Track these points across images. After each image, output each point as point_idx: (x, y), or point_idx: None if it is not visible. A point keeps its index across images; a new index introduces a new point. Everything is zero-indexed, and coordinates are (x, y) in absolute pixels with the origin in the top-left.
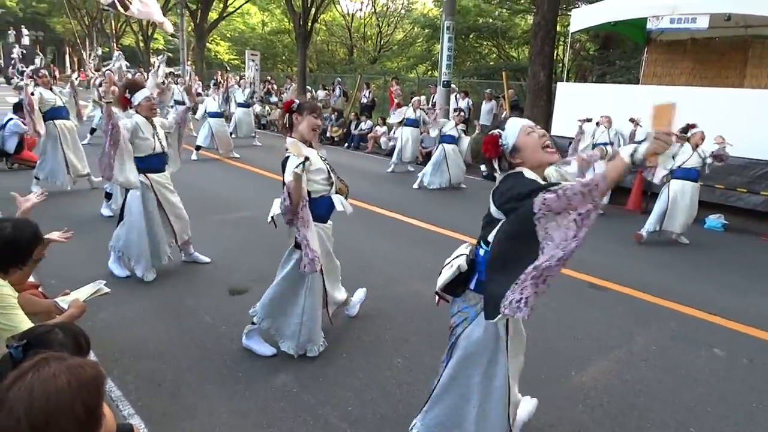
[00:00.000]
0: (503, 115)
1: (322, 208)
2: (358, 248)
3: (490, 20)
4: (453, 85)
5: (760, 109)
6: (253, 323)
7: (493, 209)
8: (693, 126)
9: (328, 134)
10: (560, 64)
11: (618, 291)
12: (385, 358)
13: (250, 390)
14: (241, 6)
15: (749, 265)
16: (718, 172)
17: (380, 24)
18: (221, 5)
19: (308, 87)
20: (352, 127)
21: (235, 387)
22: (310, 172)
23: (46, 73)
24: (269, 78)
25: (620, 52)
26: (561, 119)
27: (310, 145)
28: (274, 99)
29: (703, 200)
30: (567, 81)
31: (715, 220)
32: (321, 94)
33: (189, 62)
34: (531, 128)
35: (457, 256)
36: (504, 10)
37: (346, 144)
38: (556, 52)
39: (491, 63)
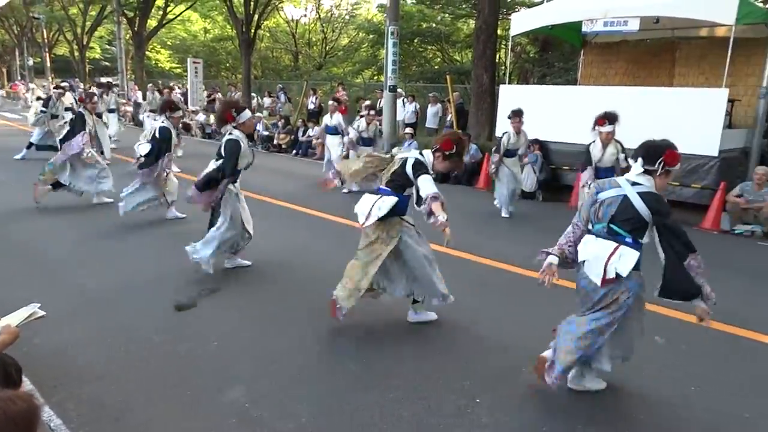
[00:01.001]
0: (448, 119)
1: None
2: (307, 255)
3: (434, 25)
4: (399, 90)
5: (689, 106)
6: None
7: (646, 213)
8: (602, 122)
9: (275, 141)
10: (503, 67)
11: (566, 287)
12: (339, 367)
13: (199, 408)
14: (181, 13)
15: None
16: None
17: (325, 30)
18: (160, 12)
19: (253, 94)
20: (300, 133)
21: (183, 407)
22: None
23: None
24: (215, 87)
25: (559, 54)
26: (505, 121)
27: None
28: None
29: None
30: (509, 83)
31: None
32: (266, 101)
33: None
34: None
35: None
36: (447, 15)
37: (294, 151)
38: (498, 55)
39: (436, 67)
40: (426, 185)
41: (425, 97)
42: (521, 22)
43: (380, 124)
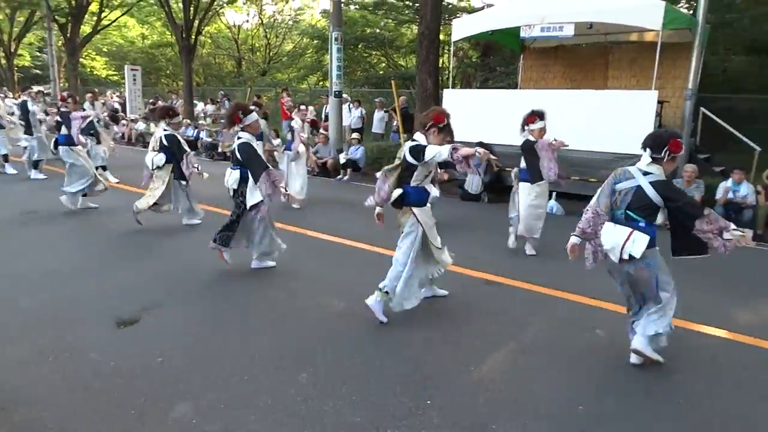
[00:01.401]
0: (394, 124)
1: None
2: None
3: (377, 30)
4: (345, 95)
5: (622, 108)
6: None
7: (658, 200)
8: (532, 120)
9: (219, 149)
10: (446, 72)
11: (510, 285)
12: (289, 375)
13: (144, 428)
14: (116, 19)
15: None
16: (591, 167)
17: (268, 35)
18: (94, 18)
19: (195, 101)
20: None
21: (128, 427)
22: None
23: None
24: (156, 94)
25: (500, 59)
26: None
27: None
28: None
29: (581, 193)
30: (453, 87)
31: None
32: (210, 108)
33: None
34: None
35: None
36: (390, 21)
37: None
38: (441, 60)
39: (381, 72)
40: (433, 151)
41: (371, 102)
42: (462, 27)
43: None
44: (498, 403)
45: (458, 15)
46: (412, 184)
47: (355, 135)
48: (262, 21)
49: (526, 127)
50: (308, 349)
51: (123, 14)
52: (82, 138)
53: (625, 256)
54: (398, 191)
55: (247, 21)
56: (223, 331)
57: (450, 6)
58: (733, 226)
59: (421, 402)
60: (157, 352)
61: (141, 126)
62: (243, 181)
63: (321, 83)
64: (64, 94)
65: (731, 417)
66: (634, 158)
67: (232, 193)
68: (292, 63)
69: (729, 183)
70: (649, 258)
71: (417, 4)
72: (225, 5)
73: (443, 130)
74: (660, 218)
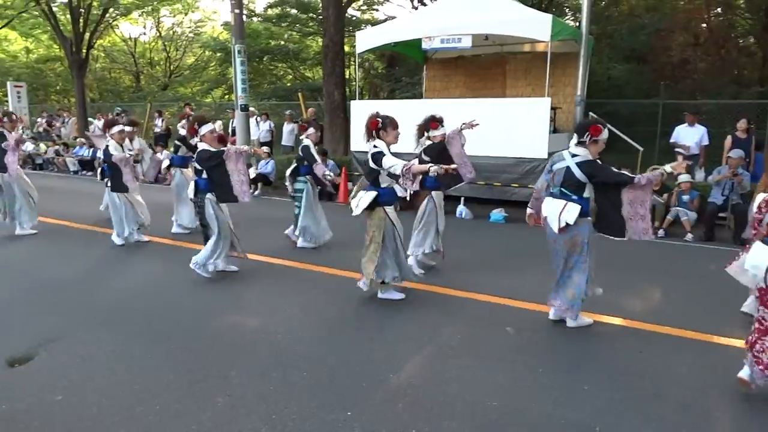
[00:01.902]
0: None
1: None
2: (163, 290)
3: (282, 42)
4: (252, 108)
5: (519, 115)
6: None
7: (583, 178)
8: (435, 126)
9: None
10: (354, 83)
11: (423, 290)
12: (204, 400)
13: None
14: None
15: (527, 249)
16: (494, 172)
17: (168, 48)
18: None
19: (90, 119)
20: (160, 155)
21: None
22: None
23: None
24: (47, 113)
25: (405, 69)
26: (359, 135)
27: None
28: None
29: (486, 198)
30: (361, 99)
31: (497, 213)
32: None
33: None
34: None
35: (563, 209)
36: (294, 33)
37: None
38: (348, 71)
39: (288, 84)
40: (389, 162)
41: (280, 115)
42: (366, 39)
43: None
44: (417, 407)
45: (362, 27)
46: (383, 185)
47: (264, 149)
48: (160, 33)
49: (426, 133)
50: (224, 370)
51: (3, 26)
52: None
53: (562, 224)
54: (372, 194)
55: (144, 33)
56: (130, 360)
57: (354, 18)
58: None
59: (341, 414)
60: (56, 391)
61: (29, 147)
62: (199, 190)
63: (227, 97)
64: None
65: (630, 398)
66: (533, 162)
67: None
68: (195, 76)
69: None
70: (581, 225)
71: (321, 17)
72: (118, 17)
73: (385, 126)
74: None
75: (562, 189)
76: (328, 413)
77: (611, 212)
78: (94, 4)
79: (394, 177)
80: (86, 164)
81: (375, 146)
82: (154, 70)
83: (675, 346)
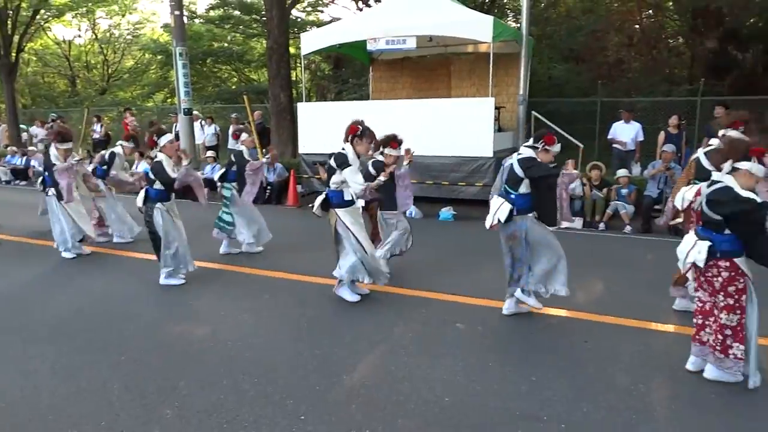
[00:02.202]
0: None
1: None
2: (111, 298)
3: (225, 45)
4: (196, 112)
5: (465, 114)
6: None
7: (520, 172)
8: (395, 146)
9: None
10: (300, 85)
11: (375, 290)
12: (153, 414)
13: None
14: None
15: (477, 245)
16: (442, 171)
17: (105, 51)
18: None
19: (23, 126)
20: (87, 165)
21: None
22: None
23: None
24: None
25: (351, 70)
26: (306, 138)
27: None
28: None
29: (435, 196)
30: (309, 100)
31: (446, 212)
32: (40, 132)
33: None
34: None
35: (498, 207)
36: (238, 35)
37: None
38: (294, 73)
39: (233, 87)
40: (349, 176)
41: (225, 119)
42: (311, 41)
43: None
44: (371, 407)
45: (307, 29)
46: (332, 187)
47: (210, 153)
48: (96, 36)
49: (382, 148)
50: (173, 380)
51: None
52: None
53: (494, 222)
54: (321, 196)
55: (79, 36)
56: (76, 373)
57: (298, 20)
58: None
59: (294, 420)
60: None
61: None
62: (149, 199)
63: (169, 100)
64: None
65: (577, 386)
66: (479, 160)
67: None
68: (135, 80)
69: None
70: (520, 222)
71: (264, 18)
72: (50, 19)
73: (363, 135)
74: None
75: (506, 186)
76: (282, 418)
77: (544, 203)
78: (23, 5)
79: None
80: (19, 173)
81: (343, 149)
82: (90, 74)
83: (618, 335)
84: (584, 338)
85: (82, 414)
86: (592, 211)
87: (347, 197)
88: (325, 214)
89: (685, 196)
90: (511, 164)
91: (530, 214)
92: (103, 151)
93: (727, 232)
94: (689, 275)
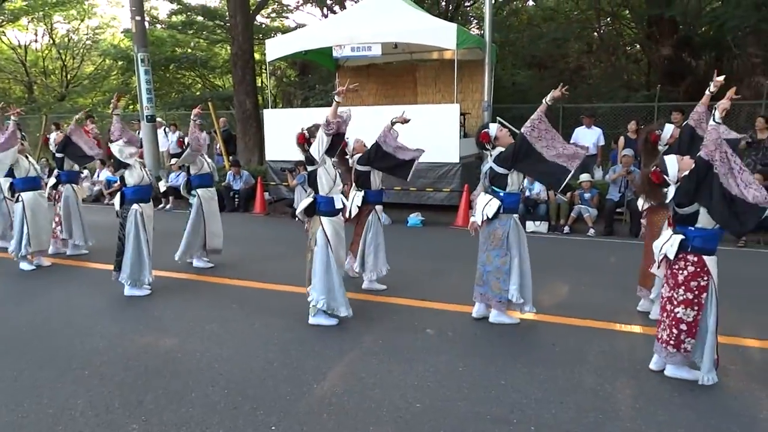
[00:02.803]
0: (217, 147)
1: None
2: (72, 311)
3: (189, 50)
4: (159, 119)
5: (431, 121)
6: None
7: (500, 169)
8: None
9: None
10: (266, 91)
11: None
12: (120, 427)
13: None
14: None
15: (445, 251)
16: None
17: (63, 56)
18: None
19: None
20: (45, 175)
21: None
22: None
23: None
24: None
25: (318, 77)
26: (273, 144)
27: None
28: None
29: (403, 202)
30: (275, 107)
31: (414, 217)
32: None
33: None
34: None
35: (486, 204)
36: (201, 41)
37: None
38: (260, 79)
39: (197, 93)
40: (314, 148)
41: (189, 125)
42: (276, 47)
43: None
44: (342, 415)
45: (272, 35)
46: (321, 193)
47: (174, 161)
48: (54, 41)
49: (347, 157)
50: (139, 394)
51: None
52: None
53: (484, 218)
54: (308, 200)
55: (36, 41)
56: (37, 389)
57: (263, 26)
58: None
59: (265, 431)
60: None
61: None
62: (125, 200)
63: (131, 107)
64: None
65: (546, 389)
66: (446, 166)
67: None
68: (96, 86)
69: (525, 182)
70: (504, 220)
71: (228, 24)
72: (5, 23)
73: (312, 138)
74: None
75: (492, 187)
76: (253, 429)
77: (540, 166)
78: None
79: (327, 154)
80: None
81: (306, 150)
82: (48, 80)
83: (584, 336)
84: (551, 341)
85: (45, 431)
86: (556, 215)
87: (338, 205)
88: (308, 219)
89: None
90: (490, 167)
91: (515, 215)
92: None
93: (698, 225)
94: (658, 272)
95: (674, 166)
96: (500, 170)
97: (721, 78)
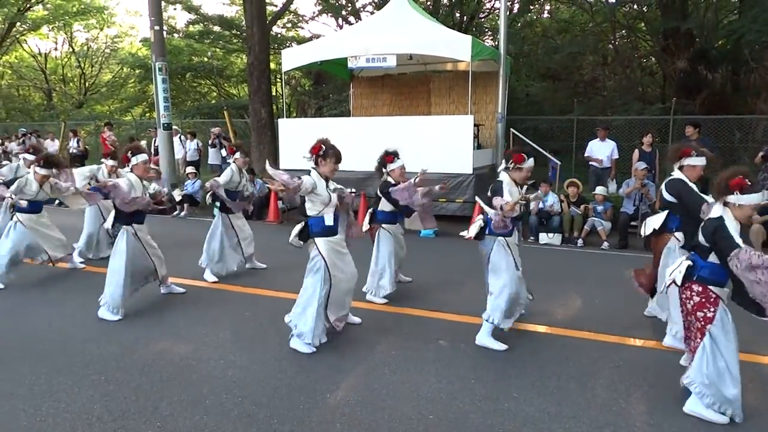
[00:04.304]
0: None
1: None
2: (87, 318)
3: (205, 59)
4: (175, 127)
5: (445, 132)
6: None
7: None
8: (390, 159)
9: None
10: (281, 100)
11: (357, 307)
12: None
13: None
14: None
15: (458, 262)
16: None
17: (82, 64)
18: None
19: None
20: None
21: None
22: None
23: None
24: None
25: (332, 86)
26: (287, 154)
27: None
28: None
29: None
30: (289, 116)
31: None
32: (15, 147)
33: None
34: None
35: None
36: (218, 50)
37: (57, 201)
38: (275, 88)
39: (213, 101)
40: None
41: (205, 133)
42: (292, 58)
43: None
44: (355, 425)
45: (288, 44)
46: (309, 213)
47: (190, 168)
48: (73, 49)
49: (384, 170)
50: (154, 401)
51: None
52: None
53: (468, 236)
54: (299, 226)
55: (56, 49)
56: (55, 395)
57: (279, 36)
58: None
59: None
60: None
61: None
62: (116, 221)
63: (148, 114)
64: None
65: (559, 403)
66: (459, 177)
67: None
68: (113, 94)
69: (539, 193)
70: (487, 242)
71: (245, 34)
72: (26, 32)
73: (326, 156)
74: None
75: (486, 203)
76: None
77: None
78: None
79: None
80: None
81: (310, 173)
82: (67, 87)
83: (597, 350)
84: (565, 354)
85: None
86: (570, 228)
87: (329, 223)
88: (303, 244)
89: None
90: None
91: (500, 238)
92: (84, 167)
93: (710, 260)
94: (667, 294)
95: (750, 205)
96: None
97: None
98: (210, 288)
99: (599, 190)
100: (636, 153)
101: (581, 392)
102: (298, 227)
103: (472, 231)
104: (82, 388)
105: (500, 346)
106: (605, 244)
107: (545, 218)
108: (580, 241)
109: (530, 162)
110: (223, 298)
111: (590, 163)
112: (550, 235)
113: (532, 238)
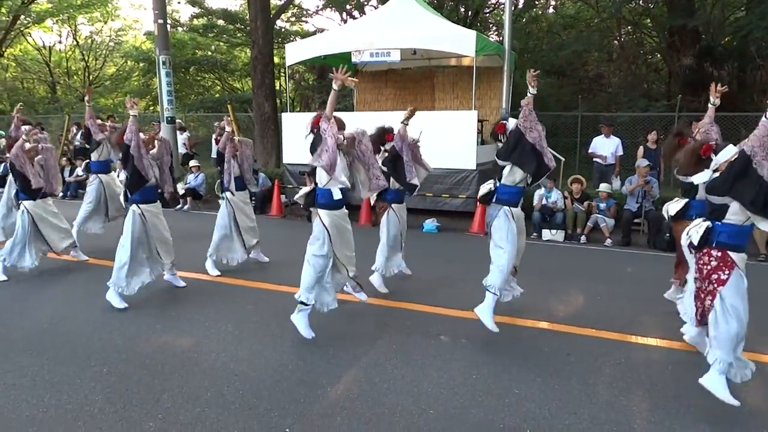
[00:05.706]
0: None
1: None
2: (90, 310)
3: (209, 53)
4: (179, 121)
5: (448, 127)
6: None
7: (501, 162)
8: (391, 138)
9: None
10: (284, 94)
11: (355, 302)
12: (137, 424)
13: None
14: None
15: (460, 257)
16: (426, 182)
17: (86, 58)
18: None
19: (0, 131)
20: (66, 173)
21: None
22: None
23: None
24: None
25: None
26: (290, 148)
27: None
28: None
29: (419, 208)
30: (293, 110)
31: (430, 223)
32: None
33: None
34: None
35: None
36: (222, 44)
37: (62, 193)
38: (278, 82)
39: (216, 95)
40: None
41: (208, 127)
42: (296, 52)
43: None
44: (355, 419)
45: (291, 39)
46: (319, 184)
47: (193, 162)
48: (77, 42)
49: (382, 147)
50: (156, 393)
51: None
52: None
53: (479, 196)
54: (308, 188)
55: (60, 42)
56: (57, 386)
57: (283, 30)
58: None
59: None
60: None
61: None
62: (126, 198)
63: (152, 108)
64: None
65: (560, 399)
66: (463, 172)
67: None
68: (117, 87)
69: (542, 190)
70: (493, 209)
71: (249, 28)
72: (30, 25)
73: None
74: None
75: (496, 177)
76: (267, 431)
77: (526, 156)
78: (2, 11)
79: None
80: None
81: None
82: (71, 80)
83: (599, 347)
84: (566, 351)
85: (63, 428)
86: (573, 224)
87: (336, 196)
88: (307, 206)
89: (668, 209)
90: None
91: (506, 207)
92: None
93: (728, 219)
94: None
95: (727, 154)
96: (500, 162)
97: (724, 88)
98: (212, 281)
99: (603, 187)
100: (641, 150)
101: (582, 389)
102: (305, 189)
103: (482, 190)
104: (85, 380)
105: (493, 327)
106: (608, 241)
107: (548, 215)
108: (583, 238)
109: (512, 122)
110: (225, 291)
111: (594, 159)
112: (553, 231)
113: (534, 234)
